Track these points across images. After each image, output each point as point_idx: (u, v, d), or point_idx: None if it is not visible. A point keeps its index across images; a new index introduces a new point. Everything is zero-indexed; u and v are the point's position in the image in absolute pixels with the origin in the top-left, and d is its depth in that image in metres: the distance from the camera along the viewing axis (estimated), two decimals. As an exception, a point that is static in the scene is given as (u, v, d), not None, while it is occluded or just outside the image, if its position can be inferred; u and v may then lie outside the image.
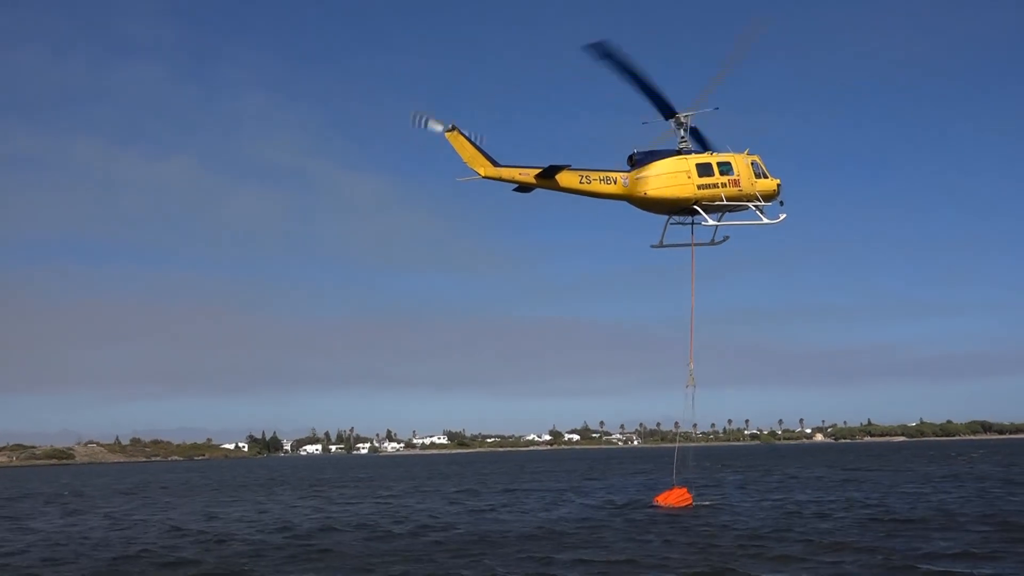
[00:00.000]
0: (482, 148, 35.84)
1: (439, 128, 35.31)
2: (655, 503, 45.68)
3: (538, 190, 37.34)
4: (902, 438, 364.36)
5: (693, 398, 40.33)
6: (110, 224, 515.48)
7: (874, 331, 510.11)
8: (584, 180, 36.83)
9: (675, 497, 44.79)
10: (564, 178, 36.41)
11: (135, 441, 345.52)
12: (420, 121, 35.22)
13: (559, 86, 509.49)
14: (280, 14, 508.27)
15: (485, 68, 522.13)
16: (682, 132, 38.01)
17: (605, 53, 34.21)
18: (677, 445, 47.63)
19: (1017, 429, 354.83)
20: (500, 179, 36.26)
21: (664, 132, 39.05)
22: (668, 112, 37.44)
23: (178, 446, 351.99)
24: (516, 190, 37.15)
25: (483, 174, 35.81)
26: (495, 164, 35.87)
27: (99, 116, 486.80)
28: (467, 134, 35.54)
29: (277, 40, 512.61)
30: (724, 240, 39.36)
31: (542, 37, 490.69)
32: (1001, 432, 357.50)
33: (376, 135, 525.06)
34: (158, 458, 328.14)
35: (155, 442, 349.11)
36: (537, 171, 36.25)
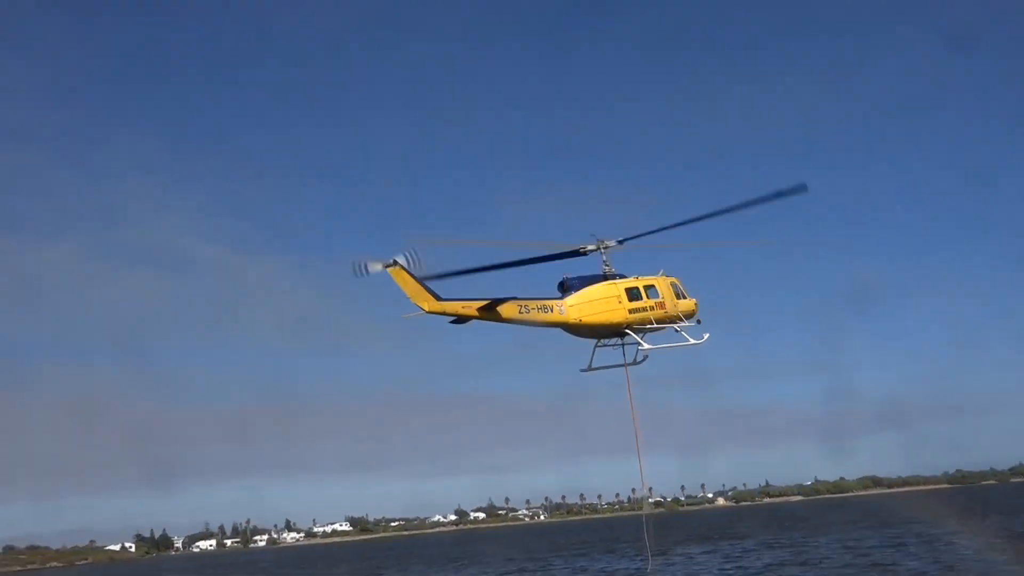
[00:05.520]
0: (424, 283, 36.11)
1: (379, 267, 35.43)
2: None
3: (475, 321, 37.83)
4: (799, 498, 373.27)
5: (646, 521, 41.54)
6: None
7: (761, 392, 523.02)
8: (523, 310, 37.54)
9: None
10: (505, 310, 37.10)
11: (8, 549, 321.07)
12: (360, 268, 35.47)
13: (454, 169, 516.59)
14: (164, 97, 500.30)
15: (377, 145, 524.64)
16: (604, 258, 39.53)
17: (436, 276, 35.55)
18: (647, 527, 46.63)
19: (904, 483, 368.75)
20: (444, 313, 36.60)
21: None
22: (573, 254, 39.24)
23: (58, 551, 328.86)
24: (453, 322, 37.46)
25: (427, 309, 36.04)
26: (438, 298, 36.26)
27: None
28: (409, 269, 35.74)
29: (162, 123, 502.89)
30: (645, 359, 40.80)
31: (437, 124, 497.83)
32: (890, 486, 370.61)
33: (269, 216, 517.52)
34: (35, 566, 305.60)
35: (31, 548, 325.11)
36: (480, 304, 36.85)
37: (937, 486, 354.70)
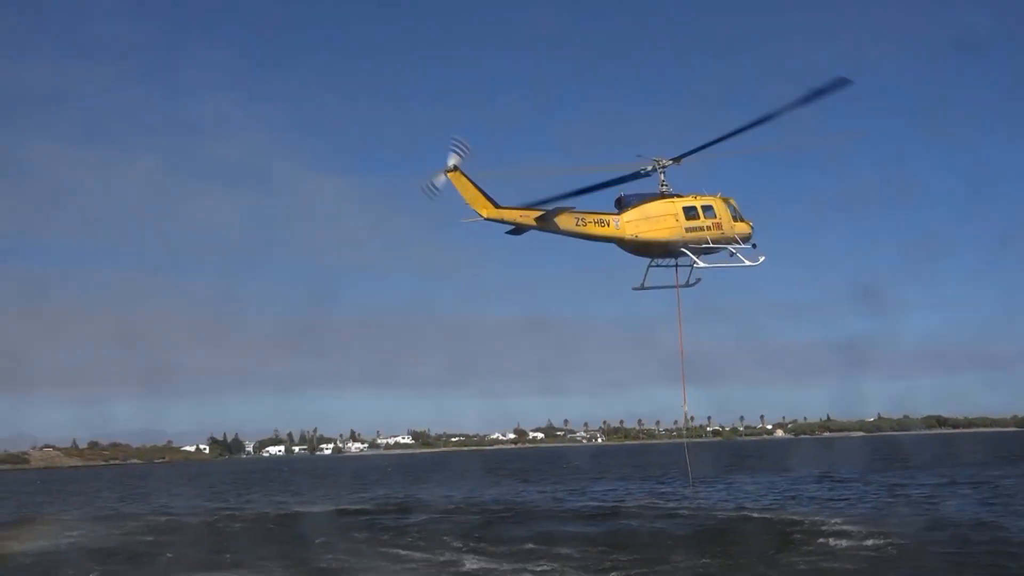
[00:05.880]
0: (483, 189, 36.38)
1: (442, 177, 35.72)
2: None
3: (529, 233, 38.31)
4: (860, 433, 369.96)
5: (687, 448, 42.26)
6: (68, 225, 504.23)
7: (831, 327, 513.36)
8: (580, 222, 37.75)
9: None
10: (563, 220, 37.35)
11: (92, 445, 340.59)
12: (430, 189, 35.81)
13: (541, 89, 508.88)
14: (245, 14, 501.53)
15: (456, 71, 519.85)
16: (663, 176, 39.23)
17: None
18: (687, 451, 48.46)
19: (970, 423, 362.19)
20: (502, 220, 37.03)
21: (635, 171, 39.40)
22: (633, 176, 38.75)
23: (137, 449, 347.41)
24: (509, 232, 37.94)
25: (485, 216, 36.43)
26: (496, 206, 36.62)
27: (58, 117, 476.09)
28: (468, 175, 36.10)
29: (242, 40, 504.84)
30: (697, 282, 40.76)
31: (514, 42, 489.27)
32: (955, 426, 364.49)
33: (343, 136, 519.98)
34: (117, 462, 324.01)
35: (114, 445, 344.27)
36: (538, 213, 37.14)
37: (1004, 428, 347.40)
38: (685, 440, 44.91)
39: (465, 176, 36.01)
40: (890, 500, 54.54)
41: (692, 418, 42.93)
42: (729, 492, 63.62)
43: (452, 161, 35.76)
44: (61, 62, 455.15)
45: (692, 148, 37.93)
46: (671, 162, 38.85)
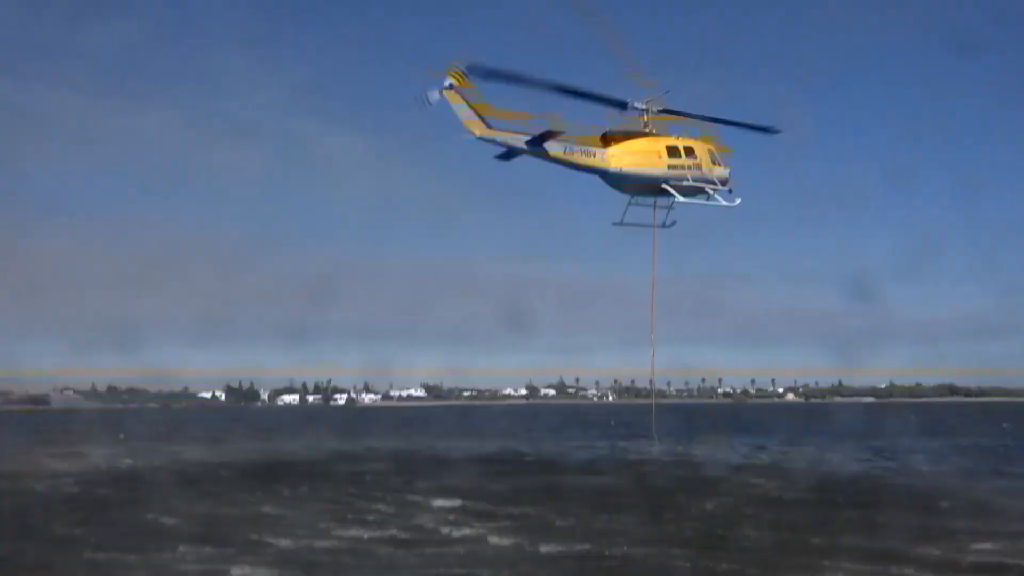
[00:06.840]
0: (477, 109, 37.57)
1: (437, 95, 36.71)
2: None
3: (517, 160, 39.63)
4: (871, 399, 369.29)
5: (653, 382, 43.79)
6: (85, 174, 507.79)
7: (845, 296, 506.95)
8: (568, 151, 39.08)
9: None
10: (551, 147, 38.64)
11: (111, 389, 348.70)
12: (423, 101, 36.83)
13: (556, 48, 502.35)
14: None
15: (475, 27, 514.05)
16: (645, 118, 40.55)
17: (487, 72, 35.68)
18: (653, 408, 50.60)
19: (982, 392, 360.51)
20: (494, 141, 38.29)
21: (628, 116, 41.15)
22: (619, 105, 39.87)
23: (155, 394, 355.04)
24: (498, 157, 39.30)
25: (478, 134, 37.63)
26: (489, 126, 37.88)
27: (75, 71, 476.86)
28: (463, 94, 37.14)
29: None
30: (673, 224, 42.17)
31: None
32: (967, 395, 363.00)
33: (360, 95, 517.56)
34: (135, 406, 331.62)
35: (131, 390, 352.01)
36: (528, 137, 38.38)
37: (1018, 399, 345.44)
38: (652, 402, 47.11)
39: (460, 95, 37.05)
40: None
41: (653, 382, 44.75)
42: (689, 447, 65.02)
43: (449, 81, 36.84)
44: (73, 17, 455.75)
45: (679, 111, 40.09)
46: (656, 111, 40.25)
